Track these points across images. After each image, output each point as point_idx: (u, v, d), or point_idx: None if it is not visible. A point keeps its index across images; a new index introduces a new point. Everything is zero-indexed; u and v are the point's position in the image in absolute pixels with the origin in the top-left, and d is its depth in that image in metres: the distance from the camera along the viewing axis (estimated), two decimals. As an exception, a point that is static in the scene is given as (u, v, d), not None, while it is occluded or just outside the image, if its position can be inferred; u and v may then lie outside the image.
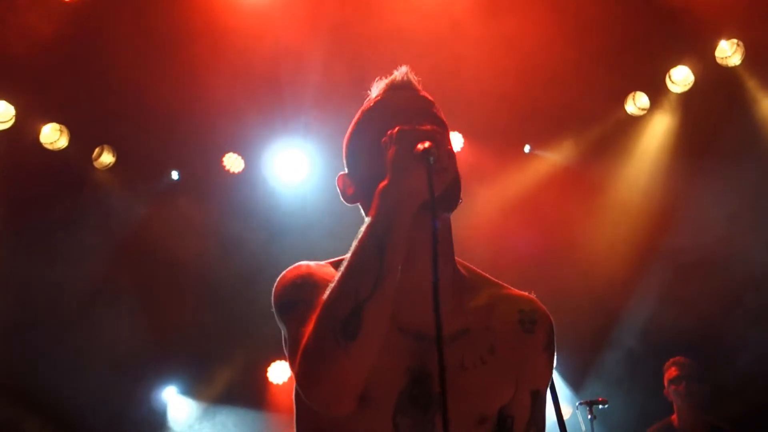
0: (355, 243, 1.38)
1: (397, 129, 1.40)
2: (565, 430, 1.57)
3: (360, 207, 1.60)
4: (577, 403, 4.79)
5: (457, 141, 6.39)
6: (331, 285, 1.36)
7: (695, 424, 4.36)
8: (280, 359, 6.97)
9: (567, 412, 5.01)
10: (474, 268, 1.64)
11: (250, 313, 6.62)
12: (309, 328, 1.35)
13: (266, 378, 6.95)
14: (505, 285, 1.63)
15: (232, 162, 6.41)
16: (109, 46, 5.26)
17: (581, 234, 6.18)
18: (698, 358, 4.59)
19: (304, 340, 1.35)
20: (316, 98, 5.55)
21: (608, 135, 6.31)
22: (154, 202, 6.33)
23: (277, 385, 6.99)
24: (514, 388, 1.53)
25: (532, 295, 1.63)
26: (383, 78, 1.60)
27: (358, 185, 1.57)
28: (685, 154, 6.00)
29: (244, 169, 6.42)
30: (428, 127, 1.41)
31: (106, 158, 6.18)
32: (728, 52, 5.81)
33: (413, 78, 1.60)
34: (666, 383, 4.49)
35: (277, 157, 6.27)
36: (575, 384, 5.77)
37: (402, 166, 1.36)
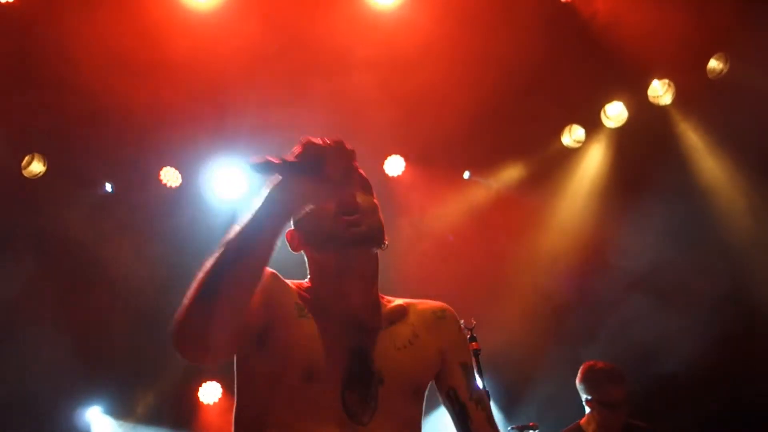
0: (238, 224, 1.61)
1: (303, 139, 1.60)
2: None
3: (304, 255, 1.90)
4: (509, 428, 4.78)
5: (398, 164, 6.46)
6: (216, 253, 1.59)
7: (611, 425, 4.20)
8: (211, 380, 6.83)
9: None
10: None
11: None
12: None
13: (197, 398, 6.79)
14: (416, 300, 1.97)
15: (170, 176, 6.29)
16: (41, 51, 5.09)
17: (517, 259, 6.29)
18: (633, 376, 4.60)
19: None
20: (258, 116, 5.51)
21: (545, 165, 6.47)
22: (86, 215, 6.14)
23: (208, 405, 6.85)
24: (441, 363, 1.85)
25: (443, 303, 1.99)
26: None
27: (301, 236, 1.87)
28: (616, 187, 6.20)
29: (181, 184, 6.31)
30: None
31: (36, 167, 5.97)
32: (660, 91, 6.05)
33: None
34: (589, 392, 4.31)
35: (216, 173, 6.19)
36: (507, 409, 5.83)
37: (307, 190, 1.56)
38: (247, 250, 1.56)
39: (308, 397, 1.61)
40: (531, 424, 4.77)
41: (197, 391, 6.79)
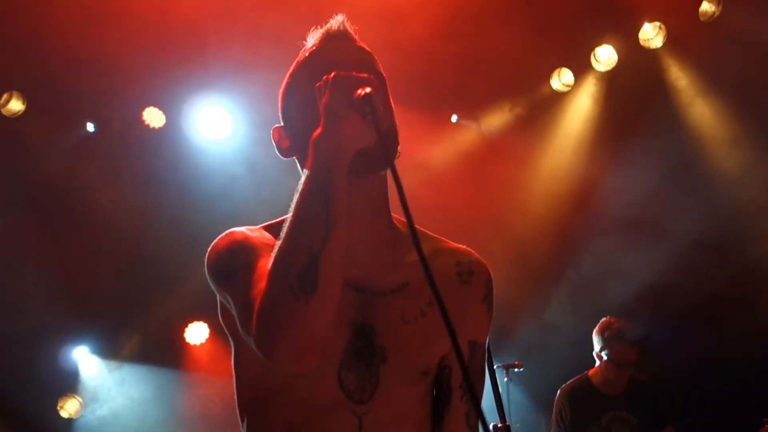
0: (296, 196, 1.33)
1: (333, 74, 1.34)
2: (495, 382, 1.67)
3: (296, 161, 1.56)
4: (495, 366, 4.91)
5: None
6: (279, 242, 1.31)
7: (616, 378, 4.41)
8: (198, 320, 6.87)
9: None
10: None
11: (168, 272, 6.47)
12: (259, 289, 1.30)
13: (183, 339, 6.85)
14: (442, 238, 1.62)
15: (153, 117, 6.19)
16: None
17: (506, 203, 6.31)
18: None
19: (257, 303, 1.28)
20: (243, 54, 5.40)
21: (534, 108, 6.43)
22: (68, 154, 6.06)
23: (195, 346, 6.90)
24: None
25: (469, 249, 1.62)
26: (319, 27, 1.53)
27: (294, 138, 1.52)
28: (606, 131, 6.18)
29: (165, 125, 6.22)
30: (366, 75, 1.35)
31: (15, 105, 5.85)
32: (651, 34, 5.98)
33: (350, 27, 1.52)
34: (599, 347, 4.42)
35: (200, 113, 6.10)
36: (493, 348, 5.91)
37: (337, 112, 1.31)
38: (340, 215, 1.29)
39: (305, 382, 1.42)
40: (516, 363, 4.97)
41: (184, 331, 6.84)
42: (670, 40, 5.91)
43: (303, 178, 1.34)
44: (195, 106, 6.06)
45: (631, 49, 6.03)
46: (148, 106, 6.14)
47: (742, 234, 5.61)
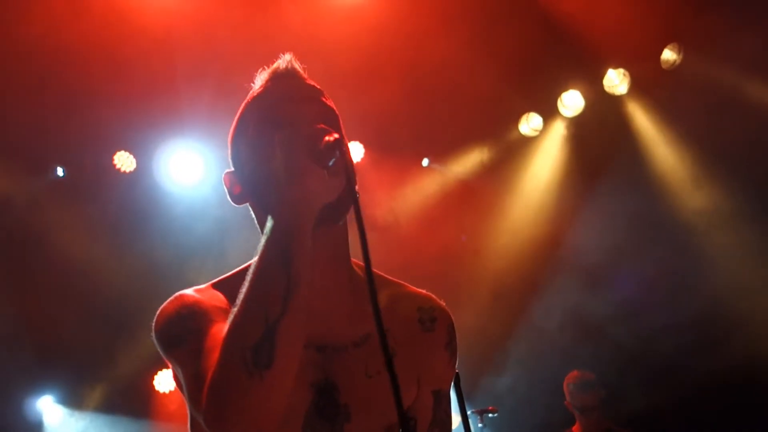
0: (255, 259, 1.25)
1: (287, 130, 1.29)
2: (468, 427, 1.55)
3: (249, 208, 1.51)
4: (469, 412, 4.90)
5: (358, 150, 6.46)
6: (235, 309, 1.22)
7: (591, 428, 4.56)
8: (167, 368, 6.72)
9: (456, 420, 5.10)
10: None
11: (137, 319, 6.35)
12: (211, 361, 1.21)
13: (152, 387, 6.70)
14: (403, 283, 1.59)
15: (124, 161, 6.16)
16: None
17: (478, 243, 6.35)
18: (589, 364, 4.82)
19: (209, 376, 1.19)
20: (215, 98, 5.43)
21: (503, 153, 6.53)
22: (35, 198, 5.99)
23: (164, 394, 6.76)
24: (417, 389, 1.49)
25: (430, 294, 1.59)
26: (266, 68, 1.49)
27: (245, 184, 1.47)
28: (574, 176, 6.29)
29: (135, 169, 6.20)
30: (323, 125, 1.31)
31: (-20, 149, 5.79)
32: (616, 80, 6.14)
33: (298, 65, 1.47)
34: (568, 397, 4.68)
35: (171, 157, 6.08)
36: (467, 393, 5.87)
37: (298, 167, 1.24)
38: (301, 278, 1.21)
39: None
40: (490, 408, 5.00)
41: (152, 379, 6.70)
42: (634, 87, 6.07)
43: (263, 239, 1.26)
44: (166, 151, 6.06)
45: (597, 94, 6.18)
46: (119, 150, 6.12)
47: (707, 275, 5.69)
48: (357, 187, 1.27)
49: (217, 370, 1.19)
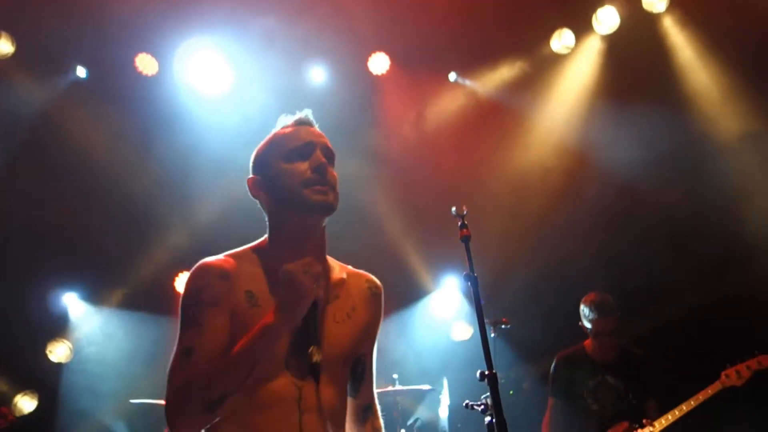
0: (243, 349, 1.80)
1: (286, 268, 1.83)
2: (487, 344, 2.28)
3: (260, 202, 2.06)
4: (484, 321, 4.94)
5: (383, 62, 6.33)
6: (210, 371, 1.78)
7: (608, 349, 4.55)
8: (187, 270, 6.85)
9: (471, 331, 5.19)
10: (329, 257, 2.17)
11: (158, 221, 6.46)
12: (187, 375, 1.79)
13: (173, 287, 6.87)
14: (349, 267, 2.19)
15: (146, 63, 6.09)
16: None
17: (501, 160, 6.27)
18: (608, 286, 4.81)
19: (177, 384, 1.79)
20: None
21: (533, 69, 6.37)
22: (58, 98, 5.98)
23: None
24: (368, 339, 2.14)
25: (370, 274, 2.22)
26: (288, 115, 2.10)
27: (270, 190, 2.02)
28: (604, 95, 6.13)
29: (158, 72, 6.14)
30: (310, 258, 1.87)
31: (4, 46, 5.74)
32: (655, -2, 5.88)
33: (312, 119, 2.11)
34: (583, 319, 4.66)
35: (194, 61, 6.01)
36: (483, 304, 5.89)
37: (304, 293, 1.83)
38: (258, 362, 1.83)
39: (258, 369, 1.84)
40: (503, 319, 5.02)
41: (174, 280, 6.86)
42: (673, 4, 5.83)
43: (262, 330, 1.81)
44: (189, 55, 5.97)
45: (633, 11, 5.95)
46: (141, 52, 6.04)
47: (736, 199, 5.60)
48: (336, 199, 2.01)
49: (179, 398, 1.79)
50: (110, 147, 6.07)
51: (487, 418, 2.30)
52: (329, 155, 2.05)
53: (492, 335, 4.90)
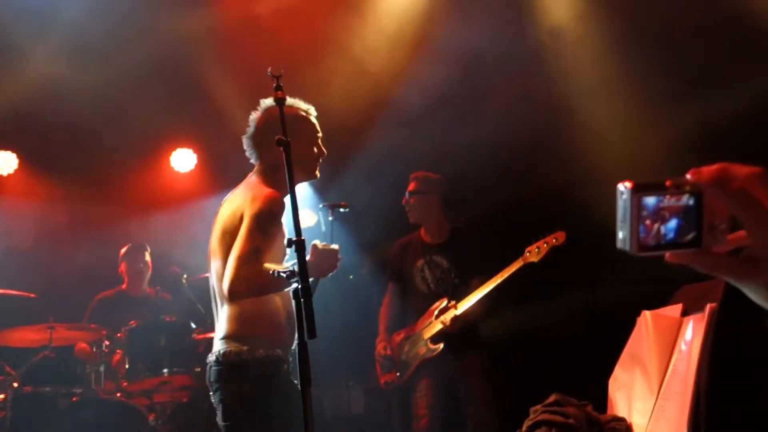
0: (283, 282, 2.57)
1: (335, 249, 3.04)
2: (297, 211, 2.55)
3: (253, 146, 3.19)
4: (320, 205, 5.08)
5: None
6: (266, 282, 2.76)
7: (438, 231, 4.74)
8: (183, 146, 7.09)
9: (314, 218, 5.13)
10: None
11: (156, 98, 6.30)
12: (252, 268, 2.76)
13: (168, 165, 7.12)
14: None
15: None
16: None
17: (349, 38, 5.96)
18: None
19: (244, 275, 2.77)
20: None
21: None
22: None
23: (181, 174, 7.18)
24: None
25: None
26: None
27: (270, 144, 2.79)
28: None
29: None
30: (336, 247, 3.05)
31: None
32: None
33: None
34: (406, 195, 4.79)
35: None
36: (321, 188, 5.81)
37: (329, 267, 2.99)
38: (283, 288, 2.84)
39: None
40: (342, 203, 5.09)
41: (167, 157, 7.07)
42: None
43: (284, 274, 2.52)
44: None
45: None
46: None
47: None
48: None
49: (249, 282, 2.80)
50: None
51: (294, 285, 2.35)
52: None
53: (330, 218, 4.90)
